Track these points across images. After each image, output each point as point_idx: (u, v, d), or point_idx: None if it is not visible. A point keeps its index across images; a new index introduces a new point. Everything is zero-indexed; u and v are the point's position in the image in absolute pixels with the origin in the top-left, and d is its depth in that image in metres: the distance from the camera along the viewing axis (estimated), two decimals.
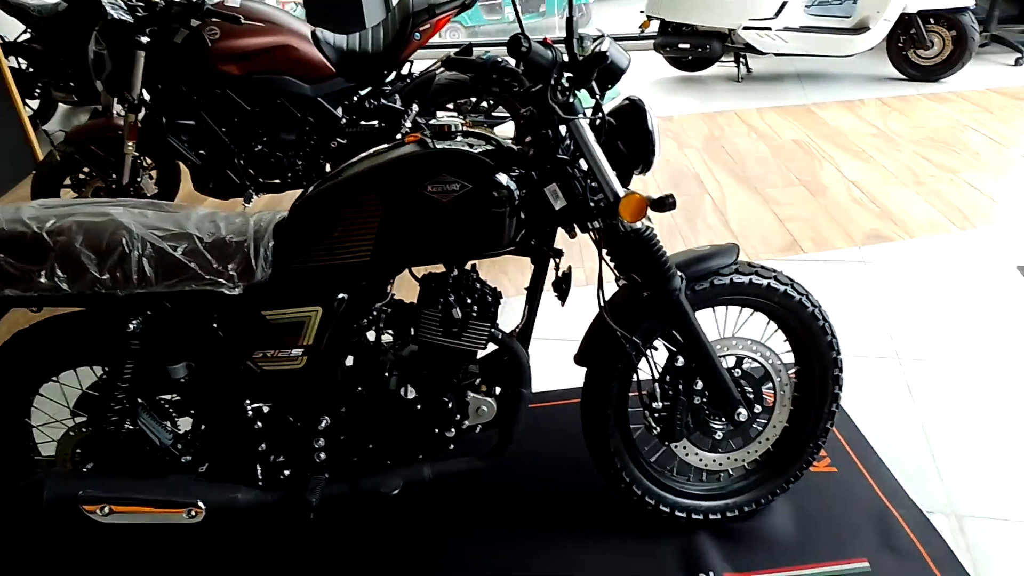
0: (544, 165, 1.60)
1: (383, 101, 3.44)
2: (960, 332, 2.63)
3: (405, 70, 3.52)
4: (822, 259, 3.16)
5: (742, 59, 5.62)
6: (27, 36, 5.32)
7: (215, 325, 1.58)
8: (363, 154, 1.65)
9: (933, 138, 4.39)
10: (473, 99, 3.76)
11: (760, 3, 5.21)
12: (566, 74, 1.52)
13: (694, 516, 1.86)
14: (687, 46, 5.49)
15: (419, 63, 3.55)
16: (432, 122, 1.61)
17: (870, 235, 3.34)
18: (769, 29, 5.21)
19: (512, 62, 1.70)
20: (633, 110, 1.60)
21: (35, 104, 5.42)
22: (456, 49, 3.63)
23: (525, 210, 1.59)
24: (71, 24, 4.84)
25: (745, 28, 5.25)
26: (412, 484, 1.71)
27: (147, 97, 3.14)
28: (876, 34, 5.12)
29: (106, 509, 1.54)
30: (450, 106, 3.74)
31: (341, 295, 1.61)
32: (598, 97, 1.54)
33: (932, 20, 5.14)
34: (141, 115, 3.12)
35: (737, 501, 1.88)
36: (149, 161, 3.50)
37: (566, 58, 1.50)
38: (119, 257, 1.49)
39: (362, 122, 3.42)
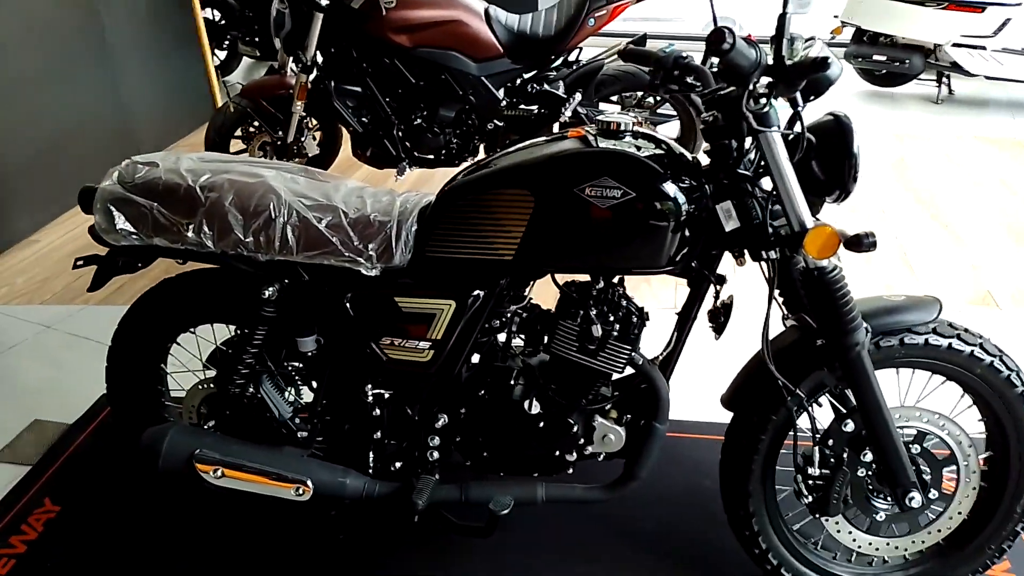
0: (720, 179, 1.41)
1: (546, 87, 3.33)
2: None
3: (572, 57, 3.39)
4: (1021, 319, 2.73)
5: (945, 79, 5.03)
6: None
7: (347, 304, 1.52)
8: (519, 145, 1.53)
9: None
10: (639, 93, 3.57)
11: (977, 18, 4.62)
12: (764, 79, 1.31)
13: None
14: (883, 58, 4.98)
15: (587, 51, 3.40)
16: (600, 117, 1.45)
17: None
18: (984, 48, 4.61)
19: (697, 58, 1.52)
20: (837, 128, 1.37)
21: (222, 55, 5.76)
22: (631, 39, 3.46)
23: (691, 227, 1.41)
24: None
25: (955, 44, 4.68)
26: (522, 504, 1.59)
27: (320, 60, 3.19)
28: None
29: (219, 472, 1.53)
30: (614, 98, 3.57)
31: (477, 292, 1.50)
32: (800, 109, 1.32)
33: None
34: (312, 76, 3.18)
35: None
36: (314, 122, 3.59)
37: (770, 60, 1.29)
38: (264, 222, 1.46)
39: (522, 106, 3.33)
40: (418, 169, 3.46)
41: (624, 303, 1.50)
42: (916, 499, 1.48)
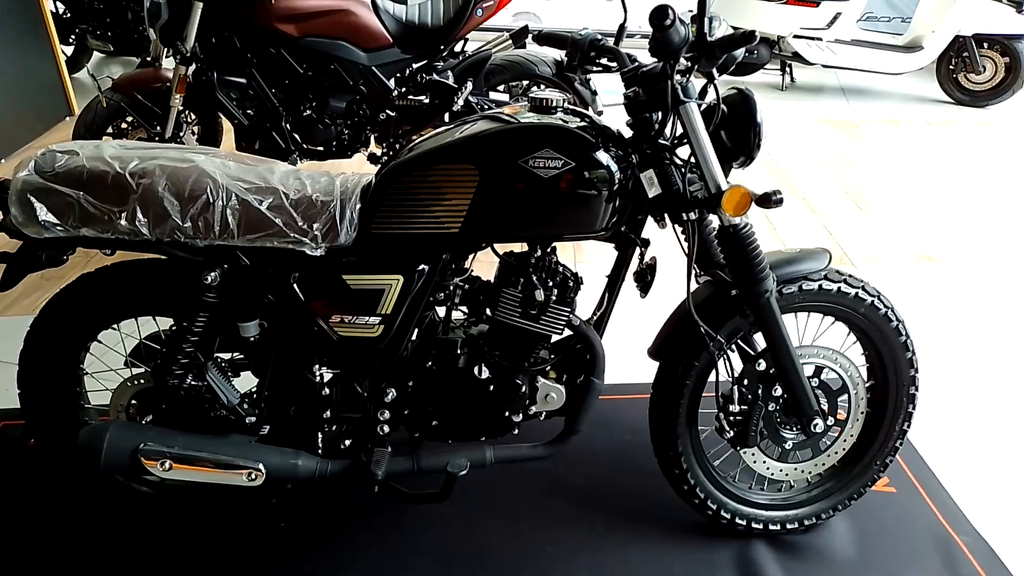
0: (643, 150, 1.55)
1: (435, 76, 3.38)
2: None
3: (458, 47, 3.47)
4: (874, 276, 3.11)
5: (788, 68, 5.55)
6: None
7: (295, 285, 1.52)
8: (449, 125, 1.60)
9: (979, 163, 4.34)
10: (525, 82, 3.70)
11: (813, 12, 5.14)
12: (685, 55, 1.46)
13: (754, 525, 1.82)
14: None
15: (470, 43, 3.49)
16: (533, 95, 1.55)
17: (922, 256, 3.30)
18: (820, 39, 5.14)
19: (611, 41, 1.65)
20: (743, 100, 1.54)
21: (69, 51, 5.34)
22: (512, 31, 3.58)
23: (621, 194, 1.53)
24: None
25: (795, 36, 5.18)
26: (472, 467, 1.66)
27: (198, 51, 3.07)
28: (928, 53, 5.06)
29: (167, 464, 1.49)
30: (500, 88, 3.68)
31: (423, 266, 1.55)
32: (716, 82, 1.48)
33: (986, 45, 5.08)
34: (192, 69, 3.05)
35: (799, 513, 1.84)
36: (193, 116, 3.44)
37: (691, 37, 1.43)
38: (202, 206, 1.44)
39: (412, 96, 3.36)
40: (308, 161, 3.41)
41: (560, 268, 1.60)
42: (819, 425, 1.69)
